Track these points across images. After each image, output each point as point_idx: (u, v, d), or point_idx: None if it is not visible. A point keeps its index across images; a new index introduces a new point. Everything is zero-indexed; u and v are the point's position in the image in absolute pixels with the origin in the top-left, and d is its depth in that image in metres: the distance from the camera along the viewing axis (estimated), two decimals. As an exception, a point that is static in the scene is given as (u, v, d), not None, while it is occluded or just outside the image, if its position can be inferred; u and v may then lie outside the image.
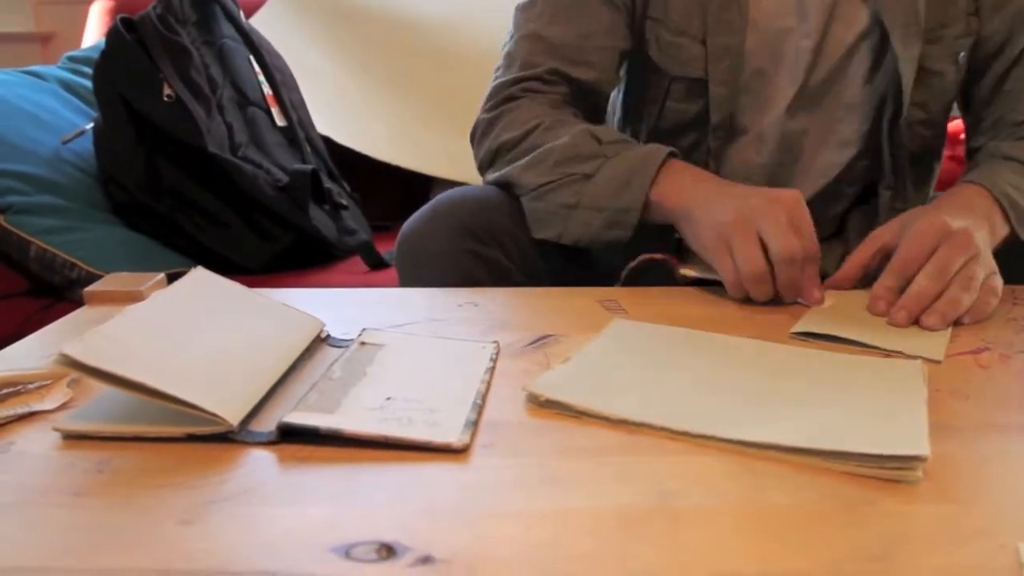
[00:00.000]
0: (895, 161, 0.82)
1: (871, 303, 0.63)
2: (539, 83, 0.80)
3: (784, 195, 0.65)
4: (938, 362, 0.54)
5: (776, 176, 0.85)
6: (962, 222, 0.63)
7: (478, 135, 0.83)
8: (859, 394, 0.47)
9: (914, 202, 0.85)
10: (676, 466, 0.40)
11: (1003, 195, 0.71)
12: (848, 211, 0.88)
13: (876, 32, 0.78)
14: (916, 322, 0.61)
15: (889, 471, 0.38)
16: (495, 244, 0.75)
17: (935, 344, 0.57)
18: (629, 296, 0.68)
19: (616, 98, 0.92)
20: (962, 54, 0.79)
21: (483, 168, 0.83)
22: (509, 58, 0.82)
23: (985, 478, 0.39)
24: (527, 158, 0.76)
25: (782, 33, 0.79)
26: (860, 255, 0.68)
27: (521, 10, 0.82)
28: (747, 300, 0.66)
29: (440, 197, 0.78)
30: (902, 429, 0.42)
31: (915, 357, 0.54)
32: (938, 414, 0.46)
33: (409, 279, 0.76)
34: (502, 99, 0.81)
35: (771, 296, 0.65)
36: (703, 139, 0.83)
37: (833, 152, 0.83)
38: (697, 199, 0.69)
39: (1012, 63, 0.79)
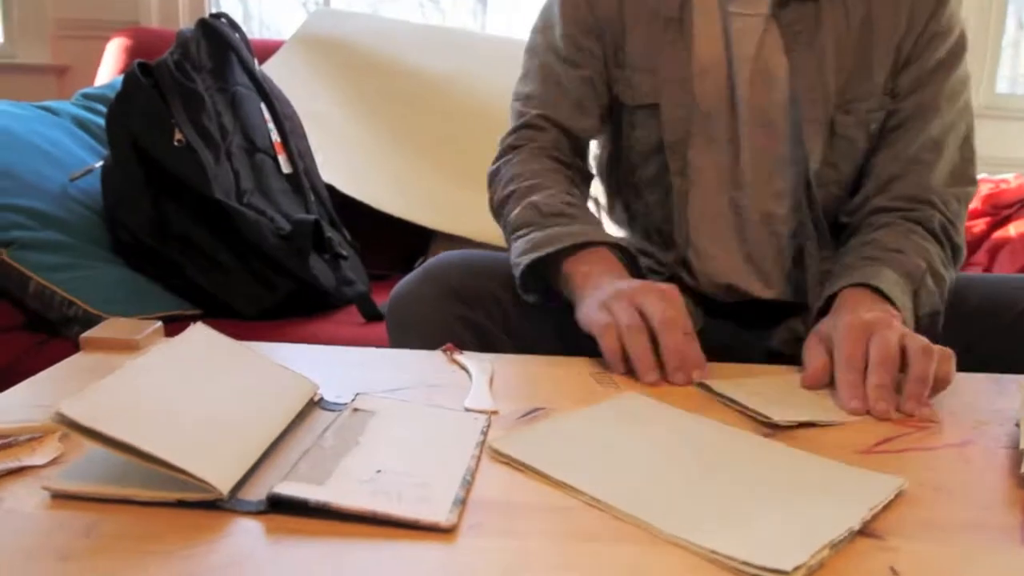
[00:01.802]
0: (812, 213, 0.88)
1: (845, 403, 0.63)
2: (531, 130, 0.91)
3: (663, 284, 0.71)
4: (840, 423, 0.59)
5: (726, 222, 0.90)
6: (875, 313, 0.69)
7: (488, 186, 0.94)
8: (799, 502, 0.46)
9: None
10: (660, 556, 0.40)
11: (889, 291, 0.75)
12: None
13: (795, 96, 0.85)
14: (902, 409, 0.62)
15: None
16: (481, 309, 0.79)
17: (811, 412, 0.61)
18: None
19: (600, 151, 1.01)
20: (873, 125, 0.87)
21: (495, 218, 0.93)
22: (510, 118, 0.95)
23: (965, 584, 0.39)
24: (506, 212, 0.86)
25: (723, 82, 0.87)
26: (814, 377, 0.68)
27: (518, 81, 0.95)
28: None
29: (431, 261, 0.83)
30: (792, 540, 0.41)
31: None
32: (921, 510, 0.46)
33: (398, 341, 0.80)
34: (502, 150, 0.93)
35: (649, 356, 0.65)
36: (666, 166, 0.89)
37: (771, 202, 0.89)
38: (593, 282, 0.74)
39: (921, 145, 0.86)
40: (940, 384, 0.64)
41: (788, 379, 0.68)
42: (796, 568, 0.38)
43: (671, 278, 0.92)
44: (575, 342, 0.75)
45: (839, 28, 0.84)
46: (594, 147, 0.99)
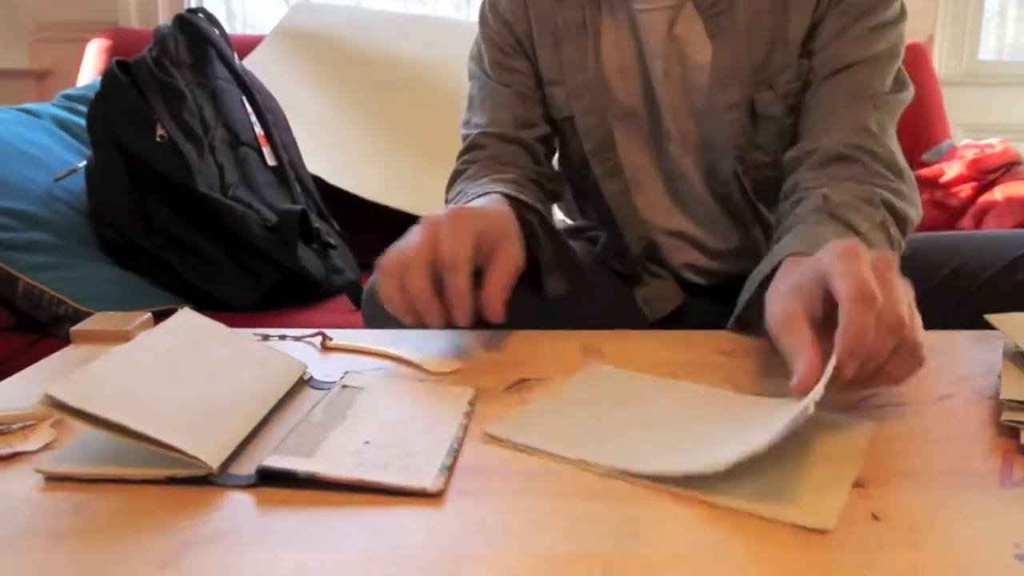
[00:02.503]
0: (749, 200, 0.87)
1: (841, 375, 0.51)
2: (474, 151, 0.90)
3: (465, 208, 0.65)
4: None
5: (675, 212, 0.91)
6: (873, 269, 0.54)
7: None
8: (800, 455, 0.47)
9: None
10: (646, 514, 0.41)
11: (831, 208, 0.68)
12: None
13: (717, 81, 0.83)
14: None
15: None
16: None
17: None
18: (609, 340, 0.69)
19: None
20: (791, 99, 0.82)
21: None
22: (463, 142, 0.93)
23: (944, 523, 0.40)
24: None
25: (641, 80, 0.86)
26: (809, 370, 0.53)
27: (464, 112, 0.95)
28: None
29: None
30: (819, 499, 0.42)
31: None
32: (902, 460, 0.47)
33: (373, 325, 0.78)
34: (451, 177, 0.91)
35: (425, 301, 0.59)
36: (602, 170, 0.89)
37: (714, 187, 0.89)
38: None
39: (828, 84, 0.79)
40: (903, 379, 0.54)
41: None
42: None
43: (645, 269, 0.93)
44: (552, 324, 0.76)
45: (753, 5, 0.81)
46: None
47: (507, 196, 0.75)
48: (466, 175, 0.88)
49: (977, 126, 2.08)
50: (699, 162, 0.88)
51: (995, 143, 1.65)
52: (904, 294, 0.51)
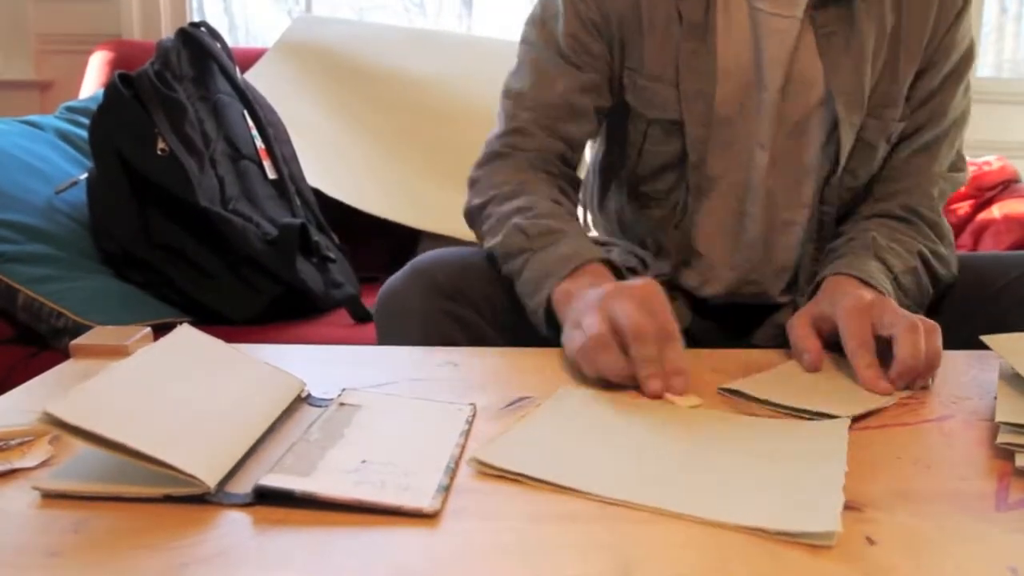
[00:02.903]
0: (821, 218, 0.87)
1: (871, 385, 0.63)
2: (519, 137, 0.86)
3: (637, 283, 0.65)
4: (855, 417, 0.57)
5: (731, 233, 0.88)
6: (873, 294, 0.71)
7: (468, 190, 0.89)
8: (785, 464, 0.48)
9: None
10: (642, 536, 0.41)
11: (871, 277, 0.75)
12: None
13: (831, 100, 0.83)
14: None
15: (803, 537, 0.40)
16: (470, 305, 0.78)
17: (856, 401, 0.60)
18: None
19: (596, 147, 0.97)
20: (893, 135, 0.85)
21: (469, 226, 0.89)
22: (498, 116, 0.89)
23: (939, 546, 0.40)
24: (489, 243, 0.81)
25: (746, 86, 0.83)
26: (815, 355, 0.68)
27: (510, 74, 0.89)
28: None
29: (419, 258, 0.81)
30: (816, 504, 0.43)
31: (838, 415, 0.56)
32: (898, 481, 0.47)
33: (386, 337, 0.79)
34: (485, 156, 0.88)
35: (623, 371, 0.60)
36: (680, 181, 0.86)
37: (795, 211, 0.88)
38: (572, 300, 0.68)
39: (914, 150, 0.87)
40: (931, 362, 0.64)
41: (791, 368, 0.68)
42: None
43: (667, 278, 0.90)
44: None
45: (873, 32, 0.81)
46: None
47: (609, 263, 0.75)
48: (508, 164, 0.84)
49: (975, 143, 2.08)
50: (787, 183, 0.86)
51: (993, 161, 1.65)
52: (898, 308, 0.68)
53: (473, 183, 0.88)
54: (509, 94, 0.88)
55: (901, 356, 0.62)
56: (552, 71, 0.85)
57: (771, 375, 0.66)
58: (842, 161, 0.83)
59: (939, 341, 0.65)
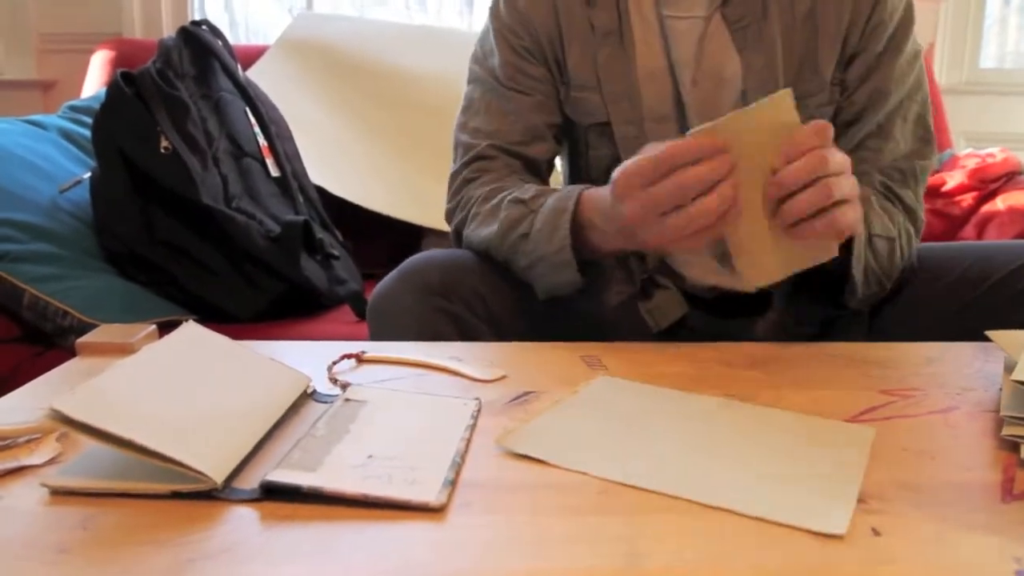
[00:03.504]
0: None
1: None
2: (484, 161, 0.88)
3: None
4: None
5: None
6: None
7: (450, 226, 0.91)
8: (805, 461, 0.49)
9: None
10: (647, 526, 0.41)
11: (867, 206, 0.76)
12: None
13: (746, 96, 0.83)
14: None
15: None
16: (462, 303, 0.78)
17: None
18: (610, 352, 0.70)
19: (562, 161, 0.99)
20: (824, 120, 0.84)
21: (465, 247, 0.89)
22: (455, 151, 0.91)
23: (945, 538, 0.40)
24: (481, 234, 0.83)
25: (665, 87, 0.85)
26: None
27: (460, 113, 0.92)
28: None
29: (408, 260, 0.83)
30: (829, 503, 0.43)
31: None
32: (903, 473, 0.47)
33: (379, 338, 0.79)
34: (457, 186, 0.90)
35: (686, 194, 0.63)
36: None
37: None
38: (600, 196, 0.72)
39: (866, 134, 0.86)
40: (832, 224, 0.64)
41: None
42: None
43: (649, 279, 0.92)
44: (557, 331, 0.76)
45: (785, 20, 0.82)
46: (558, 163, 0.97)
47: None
48: (480, 183, 0.87)
49: (978, 135, 2.08)
50: None
51: (996, 152, 1.65)
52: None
53: (451, 213, 0.90)
54: (465, 128, 0.90)
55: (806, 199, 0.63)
56: (500, 101, 0.88)
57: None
58: None
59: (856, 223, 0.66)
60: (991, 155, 1.64)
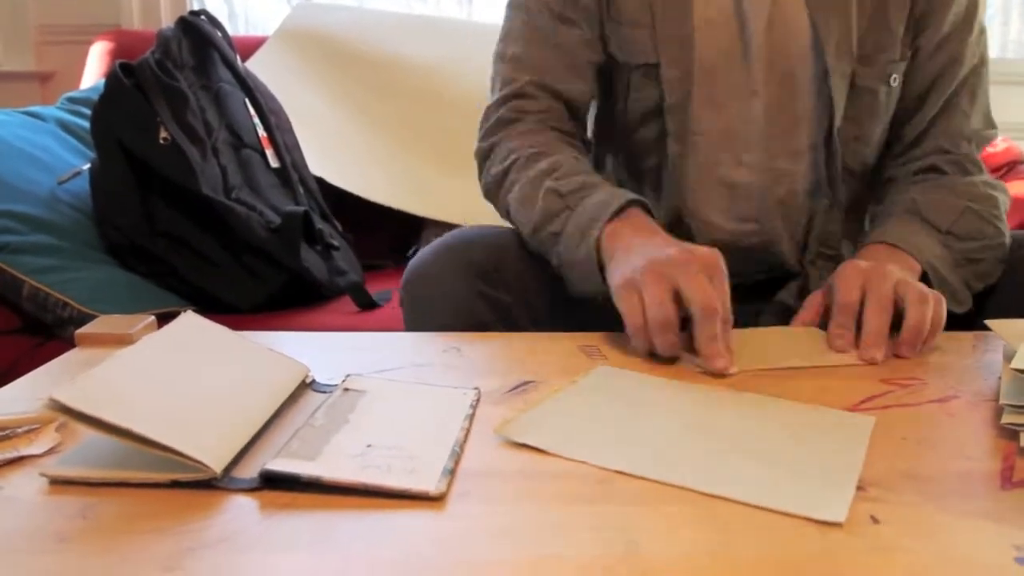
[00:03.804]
0: (829, 171, 0.86)
1: (832, 342, 0.67)
2: (523, 100, 0.86)
3: (703, 251, 0.65)
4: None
5: (728, 187, 0.86)
6: (872, 263, 0.71)
7: (478, 165, 0.88)
8: (804, 449, 0.49)
9: (849, 218, 0.90)
10: (646, 516, 0.41)
11: (930, 267, 0.75)
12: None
13: (819, 48, 0.82)
14: (898, 355, 0.66)
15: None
16: (503, 287, 0.76)
17: (817, 353, 0.65)
18: (610, 341, 0.70)
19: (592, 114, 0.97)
20: (894, 76, 0.85)
21: (490, 199, 0.88)
22: (493, 82, 0.88)
23: (944, 525, 0.40)
24: (518, 213, 0.80)
25: (729, 34, 0.83)
26: (807, 314, 0.74)
27: (500, 40, 0.89)
28: (652, 355, 0.64)
29: (451, 234, 0.79)
30: (829, 491, 0.43)
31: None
32: (903, 461, 0.47)
33: (416, 320, 0.76)
34: (492, 125, 0.87)
35: (676, 350, 0.63)
36: (664, 131, 0.86)
37: (786, 161, 0.86)
38: (623, 245, 0.69)
39: (940, 105, 0.86)
40: (935, 329, 0.66)
41: (777, 332, 0.72)
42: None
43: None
44: (591, 322, 0.75)
45: None
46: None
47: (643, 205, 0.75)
48: (519, 131, 0.83)
49: (980, 124, 2.07)
50: (777, 132, 0.84)
51: (998, 142, 1.64)
52: (898, 276, 0.68)
53: (487, 153, 0.86)
54: (504, 57, 0.86)
55: (909, 323, 0.65)
56: (546, 30, 0.85)
57: (754, 336, 0.69)
58: (837, 110, 0.83)
59: (944, 312, 0.67)
60: (993, 144, 1.63)
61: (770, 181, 0.86)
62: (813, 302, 0.73)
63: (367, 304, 1.25)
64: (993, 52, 2.29)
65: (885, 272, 0.69)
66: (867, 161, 0.89)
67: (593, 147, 0.96)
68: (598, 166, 0.97)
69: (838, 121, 0.83)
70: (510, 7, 0.89)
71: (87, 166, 1.29)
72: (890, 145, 0.90)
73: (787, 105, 0.84)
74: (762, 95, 0.84)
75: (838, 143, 0.84)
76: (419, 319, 0.76)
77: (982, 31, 0.87)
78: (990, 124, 0.89)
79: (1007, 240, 0.81)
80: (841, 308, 0.68)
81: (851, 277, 0.69)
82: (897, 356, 0.65)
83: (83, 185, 1.29)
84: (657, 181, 0.89)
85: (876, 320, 0.66)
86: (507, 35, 0.88)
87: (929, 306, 0.66)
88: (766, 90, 0.84)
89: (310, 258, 1.25)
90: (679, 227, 0.89)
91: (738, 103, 0.84)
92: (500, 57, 0.87)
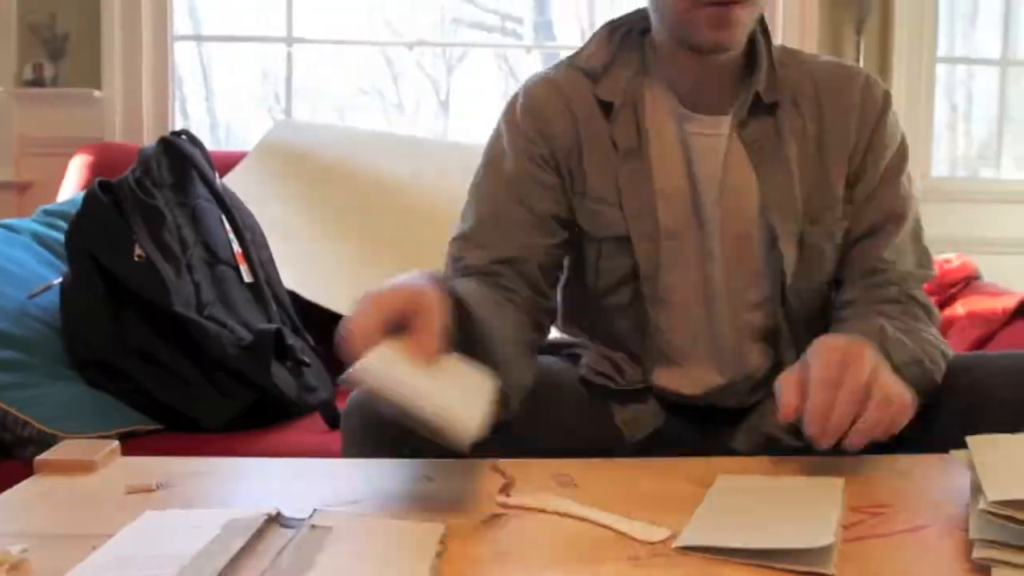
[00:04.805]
0: (789, 322, 0.89)
1: (808, 424, 0.66)
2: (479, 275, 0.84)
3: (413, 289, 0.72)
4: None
5: (699, 339, 0.90)
6: (849, 337, 0.72)
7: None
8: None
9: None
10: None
11: (883, 338, 0.77)
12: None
13: (766, 211, 0.86)
14: (839, 444, 0.65)
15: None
16: (421, 438, 0.74)
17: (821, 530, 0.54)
18: (583, 469, 0.69)
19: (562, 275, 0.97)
20: (838, 234, 0.89)
21: None
22: (447, 259, 0.88)
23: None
24: None
25: (686, 203, 0.87)
26: (790, 397, 0.69)
27: (462, 218, 0.89)
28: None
29: (356, 397, 0.80)
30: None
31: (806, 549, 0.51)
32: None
33: (353, 449, 0.77)
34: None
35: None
36: (638, 294, 0.89)
37: (746, 313, 0.89)
38: None
39: (878, 248, 0.88)
40: (886, 433, 0.66)
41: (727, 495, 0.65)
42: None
43: (643, 384, 0.91)
44: (530, 443, 0.75)
45: (798, 141, 0.87)
46: None
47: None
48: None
49: (933, 240, 2.13)
50: (736, 288, 0.88)
51: (952, 258, 1.70)
52: (873, 363, 0.67)
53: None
54: (467, 239, 0.87)
55: (867, 423, 0.65)
56: (507, 213, 0.86)
57: (712, 511, 0.60)
58: (787, 268, 0.87)
59: (903, 421, 0.68)
60: (948, 260, 1.69)
61: (734, 333, 0.90)
62: (791, 383, 0.68)
63: (337, 423, 1.23)
64: (942, 170, 2.42)
65: (863, 354, 0.68)
66: (818, 308, 0.91)
67: (562, 307, 0.97)
68: (569, 321, 0.98)
69: (789, 279, 0.87)
70: (470, 190, 0.90)
71: (58, 280, 1.28)
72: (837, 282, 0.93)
73: (742, 264, 0.88)
74: (719, 256, 0.88)
75: (796, 297, 0.88)
76: (357, 449, 0.77)
77: (910, 179, 0.91)
78: (925, 264, 0.91)
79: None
80: (821, 383, 0.66)
81: (831, 351, 0.69)
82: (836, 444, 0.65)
83: (53, 299, 1.28)
84: (633, 335, 0.91)
85: (841, 409, 0.65)
86: (464, 217, 0.89)
87: (891, 411, 0.66)
88: (723, 251, 0.88)
89: (280, 375, 1.25)
90: (662, 371, 0.91)
91: (700, 264, 0.89)
92: (461, 237, 0.88)
